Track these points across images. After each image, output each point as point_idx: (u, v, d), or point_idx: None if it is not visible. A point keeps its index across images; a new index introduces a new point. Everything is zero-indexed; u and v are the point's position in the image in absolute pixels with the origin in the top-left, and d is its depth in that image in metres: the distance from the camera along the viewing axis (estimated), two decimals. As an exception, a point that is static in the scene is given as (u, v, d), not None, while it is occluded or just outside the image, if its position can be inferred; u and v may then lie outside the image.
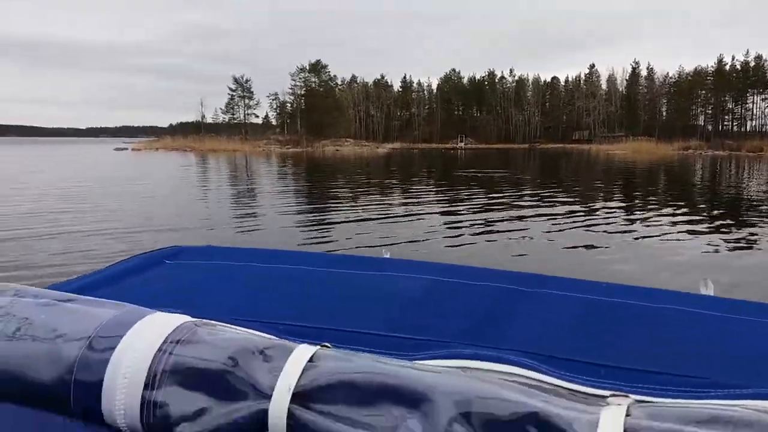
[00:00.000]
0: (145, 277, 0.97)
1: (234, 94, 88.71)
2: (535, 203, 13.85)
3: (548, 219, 11.04)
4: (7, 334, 0.47)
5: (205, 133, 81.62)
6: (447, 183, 21.16)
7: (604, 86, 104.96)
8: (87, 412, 0.44)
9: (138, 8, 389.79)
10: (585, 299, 0.88)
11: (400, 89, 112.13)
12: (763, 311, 0.84)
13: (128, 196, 14.96)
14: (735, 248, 8.23)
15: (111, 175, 23.50)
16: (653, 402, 0.46)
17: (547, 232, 9.50)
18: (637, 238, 9.13)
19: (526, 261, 7.11)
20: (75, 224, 9.75)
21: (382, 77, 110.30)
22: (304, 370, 0.42)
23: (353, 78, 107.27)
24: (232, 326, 0.51)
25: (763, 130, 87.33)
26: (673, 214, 11.80)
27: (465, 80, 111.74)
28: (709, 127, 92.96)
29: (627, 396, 0.43)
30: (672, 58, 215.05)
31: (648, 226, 10.33)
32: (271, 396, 0.41)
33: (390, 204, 13.61)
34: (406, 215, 11.59)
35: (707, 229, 9.83)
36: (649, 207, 13.24)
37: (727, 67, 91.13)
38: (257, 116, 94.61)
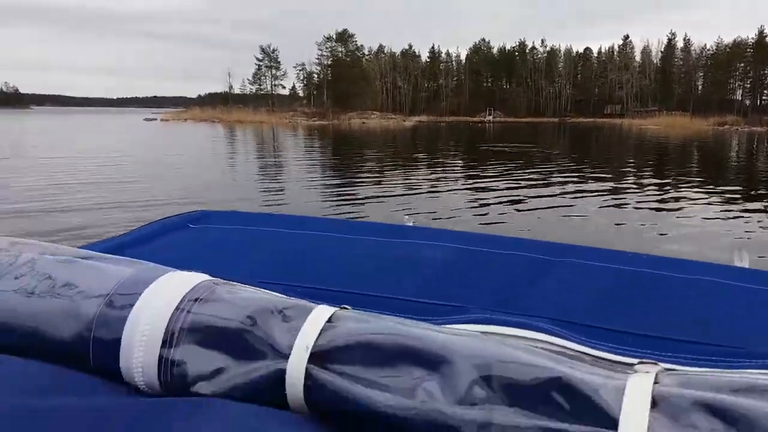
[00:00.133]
0: (168, 240, 0.98)
1: (261, 64, 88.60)
2: (566, 179, 13.72)
3: (580, 196, 10.98)
4: (28, 291, 0.47)
5: (232, 105, 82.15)
6: (475, 158, 21.00)
7: (638, 58, 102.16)
8: (105, 369, 0.44)
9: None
10: (614, 269, 0.86)
11: (428, 59, 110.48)
12: None
13: (163, 166, 15.45)
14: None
15: (149, 144, 24.27)
16: (684, 370, 0.44)
17: (579, 209, 9.47)
18: (675, 218, 9.06)
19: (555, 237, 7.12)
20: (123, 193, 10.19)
21: (410, 47, 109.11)
22: (322, 330, 0.42)
23: (380, 48, 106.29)
24: (252, 287, 0.50)
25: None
26: (710, 193, 11.61)
27: (495, 50, 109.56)
28: (747, 102, 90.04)
29: (656, 363, 0.40)
30: (710, 29, 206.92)
31: (683, 207, 10.22)
32: (289, 356, 0.41)
33: (416, 179, 13.63)
34: (432, 191, 11.62)
35: (745, 210, 9.67)
36: (682, 185, 13.02)
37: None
38: (284, 87, 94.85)
